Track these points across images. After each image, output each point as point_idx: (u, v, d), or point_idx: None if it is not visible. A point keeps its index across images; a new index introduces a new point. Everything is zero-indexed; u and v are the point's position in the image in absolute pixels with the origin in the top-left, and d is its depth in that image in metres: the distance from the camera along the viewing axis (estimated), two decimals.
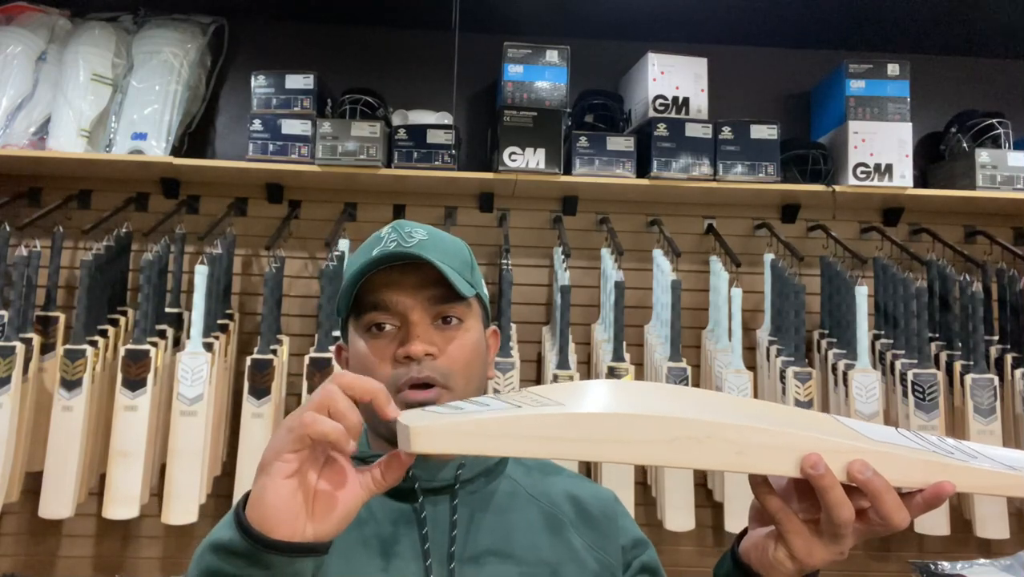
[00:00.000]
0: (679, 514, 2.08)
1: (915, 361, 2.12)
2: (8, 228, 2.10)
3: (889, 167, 2.20)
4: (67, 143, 2.13)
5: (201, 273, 2.06)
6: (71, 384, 1.98)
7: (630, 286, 2.25)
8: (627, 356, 2.12)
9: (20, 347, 1.97)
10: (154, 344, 2.04)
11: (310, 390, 2.05)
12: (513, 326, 2.19)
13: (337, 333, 1.80)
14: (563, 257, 2.20)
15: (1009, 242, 2.35)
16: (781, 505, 0.61)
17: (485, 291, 0.90)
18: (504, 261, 2.23)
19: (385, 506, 0.80)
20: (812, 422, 0.61)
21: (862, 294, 2.12)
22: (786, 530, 0.61)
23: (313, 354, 2.07)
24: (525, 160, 2.13)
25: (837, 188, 2.22)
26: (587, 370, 2.32)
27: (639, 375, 2.29)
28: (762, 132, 2.22)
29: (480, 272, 0.91)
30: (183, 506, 1.97)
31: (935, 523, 2.03)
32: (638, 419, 0.54)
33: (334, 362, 1.78)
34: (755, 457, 0.55)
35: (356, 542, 0.77)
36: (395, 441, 0.80)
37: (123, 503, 1.95)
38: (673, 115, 2.24)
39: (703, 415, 0.56)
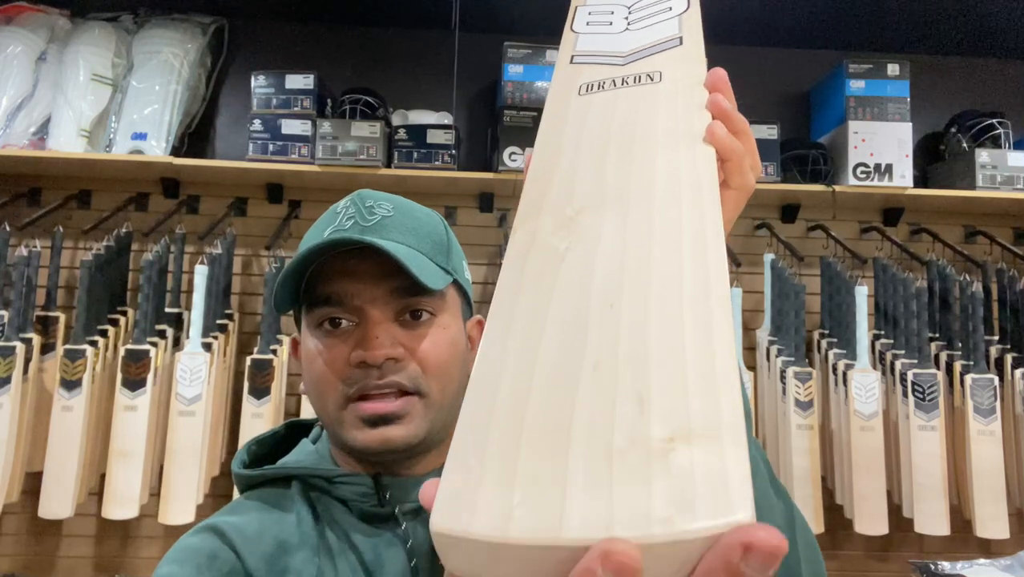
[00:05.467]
0: None
1: (915, 361, 2.11)
2: (8, 228, 2.10)
3: (889, 167, 2.19)
4: (67, 143, 2.13)
5: (201, 273, 2.06)
6: (71, 384, 1.98)
7: None
8: None
9: (20, 347, 1.97)
10: (154, 344, 2.04)
11: None
12: None
13: None
14: None
15: (1009, 242, 2.35)
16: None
17: (467, 275, 0.76)
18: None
19: (363, 532, 0.67)
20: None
21: (862, 294, 2.12)
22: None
23: None
24: (525, 160, 2.13)
25: (837, 188, 2.22)
26: None
27: None
28: (762, 132, 2.22)
29: (461, 252, 0.76)
30: (180, 506, 1.96)
31: (935, 523, 2.03)
32: None
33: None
34: None
35: None
36: (361, 458, 0.69)
37: (123, 503, 1.95)
38: None
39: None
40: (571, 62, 0.55)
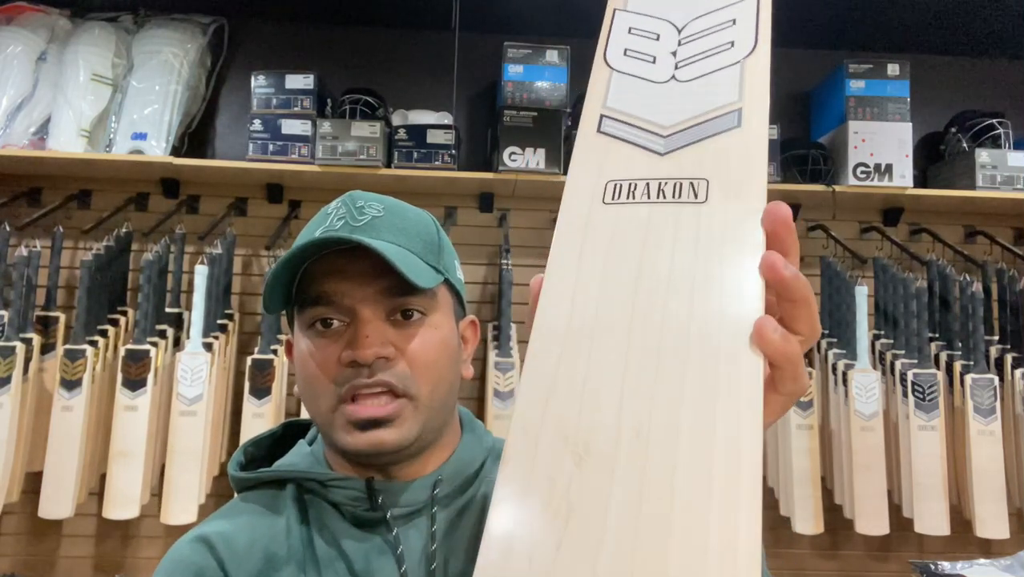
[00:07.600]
0: None
1: (915, 361, 2.12)
2: (8, 228, 2.10)
3: (889, 167, 2.19)
4: (67, 143, 2.13)
5: (201, 273, 2.06)
6: (71, 384, 1.98)
7: None
8: None
9: (20, 347, 1.97)
10: (154, 344, 2.04)
11: None
12: (513, 326, 2.19)
13: None
14: None
15: (1009, 242, 2.35)
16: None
17: (460, 275, 0.76)
18: (504, 261, 2.22)
19: (354, 538, 0.67)
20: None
21: (862, 294, 2.12)
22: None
23: None
24: (525, 160, 2.13)
25: (837, 188, 2.22)
26: None
27: None
28: None
29: (453, 252, 0.75)
30: (182, 506, 1.97)
31: (935, 523, 2.03)
32: None
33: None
34: None
35: None
36: (354, 461, 0.69)
37: (123, 503, 1.95)
38: None
39: None
40: (599, 130, 0.47)
